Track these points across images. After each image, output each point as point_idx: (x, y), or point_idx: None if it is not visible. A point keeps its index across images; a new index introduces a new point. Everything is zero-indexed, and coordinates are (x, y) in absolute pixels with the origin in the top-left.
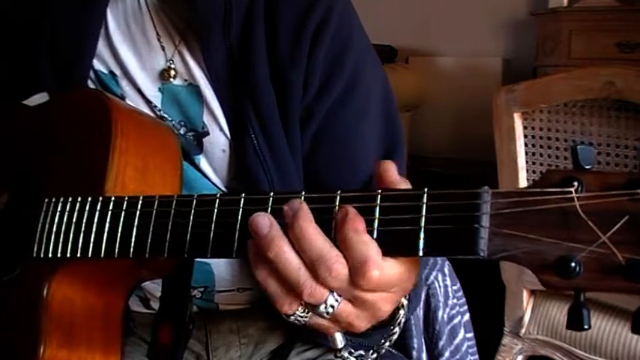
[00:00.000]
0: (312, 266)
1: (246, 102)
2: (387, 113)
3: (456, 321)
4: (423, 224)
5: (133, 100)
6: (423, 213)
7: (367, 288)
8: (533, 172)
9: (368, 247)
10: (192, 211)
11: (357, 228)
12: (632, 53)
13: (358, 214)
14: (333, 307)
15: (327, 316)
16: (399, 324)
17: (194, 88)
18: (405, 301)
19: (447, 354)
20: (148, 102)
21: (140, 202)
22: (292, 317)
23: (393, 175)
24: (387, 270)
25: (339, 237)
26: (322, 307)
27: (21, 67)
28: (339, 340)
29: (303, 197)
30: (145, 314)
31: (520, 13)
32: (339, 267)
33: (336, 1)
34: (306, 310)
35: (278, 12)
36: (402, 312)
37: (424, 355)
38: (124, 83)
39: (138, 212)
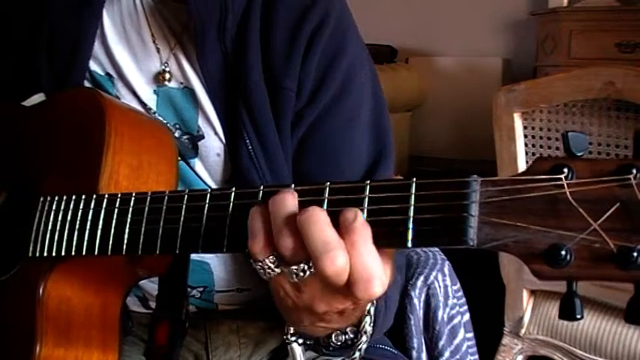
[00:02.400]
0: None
1: (240, 107)
2: (377, 120)
3: (456, 321)
4: (411, 214)
5: (128, 102)
6: (412, 202)
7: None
8: None
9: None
10: (184, 206)
11: (366, 237)
12: (632, 53)
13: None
14: (304, 272)
15: (295, 279)
16: (366, 332)
17: (189, 91)
18: (372, 308)
19: (447, 354)
20: (143, 104)
21: (132, 199)
22: (260, 264)
23: None
24: None
25: (347, 241)
26: (294, 267)
27: (22, 68)
28: (299, 355)
29: (293, 189)
30: (144, 314)
31: (520, 13)
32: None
33: (332, 7)
34: (276, 263)
35: (274, 17)
36: (367, 319)
37: (424, 355)
38: (120, 85)
39: (130, 209)
